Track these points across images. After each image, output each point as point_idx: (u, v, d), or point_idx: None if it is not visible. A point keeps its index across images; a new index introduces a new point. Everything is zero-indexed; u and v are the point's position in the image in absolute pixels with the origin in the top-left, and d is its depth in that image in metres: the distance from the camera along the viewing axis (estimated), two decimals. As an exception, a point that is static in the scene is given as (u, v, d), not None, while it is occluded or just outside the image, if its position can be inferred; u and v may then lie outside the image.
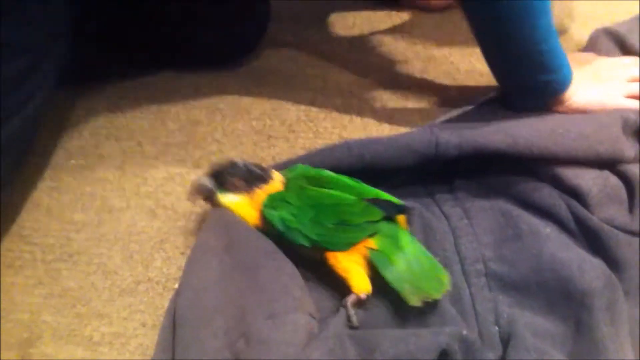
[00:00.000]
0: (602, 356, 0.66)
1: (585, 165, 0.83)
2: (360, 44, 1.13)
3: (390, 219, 0.73)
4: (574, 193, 0.80)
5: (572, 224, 0.78)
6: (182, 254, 0.80)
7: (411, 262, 0.69)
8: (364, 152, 0.81)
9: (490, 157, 0.82)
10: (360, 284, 0.69)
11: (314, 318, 0.67)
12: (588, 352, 0.67)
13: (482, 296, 0.73)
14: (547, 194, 0.80)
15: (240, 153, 0.92)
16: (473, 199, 0.83)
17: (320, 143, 0.94)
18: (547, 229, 0.77)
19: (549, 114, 0.89)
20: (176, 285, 0.75)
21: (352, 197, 0.73)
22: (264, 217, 0.74)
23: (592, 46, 1.12)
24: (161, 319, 0.72)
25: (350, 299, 0.68)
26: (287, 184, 0.76)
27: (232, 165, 0.77)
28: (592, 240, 0.77)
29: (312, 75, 1.06)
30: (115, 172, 0.89)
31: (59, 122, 0.96)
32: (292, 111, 1.00)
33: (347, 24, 1.18)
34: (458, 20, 1.17)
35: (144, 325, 0.74)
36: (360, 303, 0.69)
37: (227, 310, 0.67)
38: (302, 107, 1.00)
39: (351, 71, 1.07)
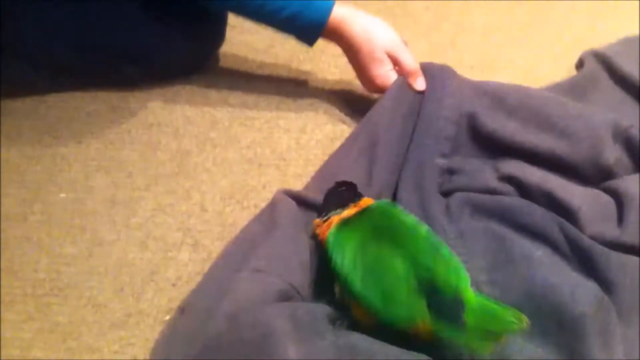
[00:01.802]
0: (596, 382, 0.65)
1: (574, 182, 0.85)
2: (350, 71, 1.13)
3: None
4: (565, 210, 0.80)
5: (564, 246, 0.78)
6: (173, 285, 0.79)
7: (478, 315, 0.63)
8: None
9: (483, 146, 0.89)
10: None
11: (297, 292, 0.69)
12: (582, 379, 0.66)
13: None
14: (539, 216, 0.81)
15: (231, 182, 0.92)
16: (467, 220, 0.84)
17: (311, 170, 0.94)
18: (539, 252, 0.77)
19: (548, 112, 0.91)
20: (167, 317, 0.75)
21: (401, 269, 0.66)
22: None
23: (580, 68, 1.13)
24: (152, 352, 0.72)
25: None
26: (359, 220, 0.73)
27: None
28: (584, 261, 0.77)
29: (302, 103, 1.07)
30: (105, 204, 0.89)
31: (49, 155, 0.96)
32: (282, 139, 1.00)
33: (336, 52, 1.18)
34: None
35: (135, 359, 0.73)
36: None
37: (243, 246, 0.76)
38: (293, 134, 1.00)
39: (341, 98, 1.07)
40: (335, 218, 0.74)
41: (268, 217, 0.79)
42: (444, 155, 0.88)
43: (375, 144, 0.88)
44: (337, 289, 0.71)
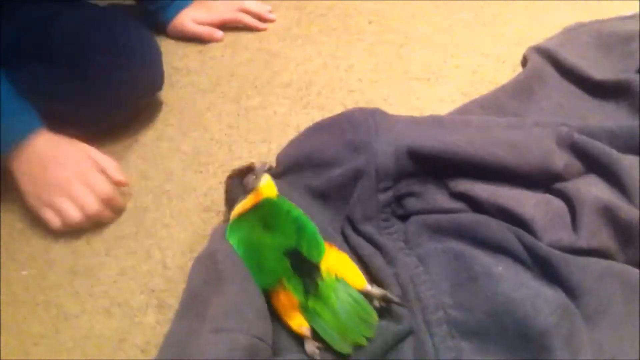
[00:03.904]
0: (565, 392, 0.66)
1: (525, 188, 0.85)
2: (300, 100, 1.13)
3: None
4: (519, 221, 0.81)
5: (524, 256, 0.78)
6: (142, 351, 0.79)
7: (339, 313, 0.73)
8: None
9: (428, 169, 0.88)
10: (297, 324, 0.73)
11: (263, 341, 0.70)
12: (552, 393, 0.67)
13: (445, 346, 0.73)
14: (495, 228, 0.81)
15: (191, 234, 0.92)
16: (425, 243, 0.84)
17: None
18: (499, 267, 0.77)
19: (488, 125, 0.92)
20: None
21: (272, 246, 0.77)
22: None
23: (525, 65, 1.14)
24: None
25: (307, 347, 0.72)
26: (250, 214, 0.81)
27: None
28: (545, 269, 0.77)
29: (255, 140, 1.06)
30: (67, 276, 0.89)
31: (6, 231, 0.95)
32: (238, 182, 0.99)
33: (284, 82, 1.18)
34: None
35: None
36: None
37: (193, 305, 0.76)
38: (248, 175, 1.00)
39: (292, 130, 1.07)
40: (237, 209, 0.82)
41: (209, 269, 0.78)
42: (385, 189, 0.87)
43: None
44: None
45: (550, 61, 1.11)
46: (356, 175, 0.87)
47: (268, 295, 0.75)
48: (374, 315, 0.73)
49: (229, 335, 0.70)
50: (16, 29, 1.00)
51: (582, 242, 0.78)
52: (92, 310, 0.84)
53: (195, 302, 0.75)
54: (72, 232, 0.94)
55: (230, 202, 0.86)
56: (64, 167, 0.92)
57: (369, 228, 0.85)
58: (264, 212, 0.81)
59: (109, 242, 0.92)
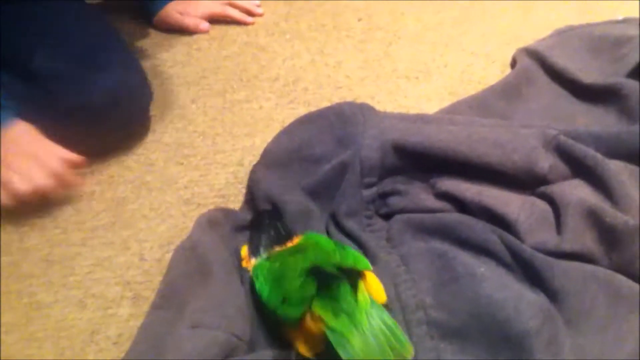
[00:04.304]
0: (544, 396, 0.65)
1: (510, 190, 0.84)
2: (286, 95, 1.12)
3: (352, 282, 0.70)
4: (503, 222, 0.80)
5: (507, 257, 0.78)
6: (115, 343, 0.77)
7: (368, 338, 0.65)
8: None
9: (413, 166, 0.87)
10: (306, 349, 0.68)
11: (240, 340, 0.69)
12: (531, 395, 0.66)
13: (424, 346, 0.72)
14: (479, 229, 0.80)
15: (170, 227, 0.90)
16: (409, 242, 0.83)
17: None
18: (482, 269, 0.76)
19: (474, 124, 0.91)
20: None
21: (296, 267, 0.71)
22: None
23: (514, 65, 1.13)
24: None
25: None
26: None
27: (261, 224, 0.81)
28: (527, 272, 0.76)
29: (239, 133, 1.05)
30: (41, 265, 0.87)
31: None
32: (220, 175, 0.98)
33: (271, 77, 1.17)
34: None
35: None
36: None
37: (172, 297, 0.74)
38: (230, 168, 0.99)
39: (277, 125, 1.05)
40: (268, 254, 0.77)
41: (190, 261, 0.77)
42: (370, 185, 0.86)
43: None
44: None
45: (540, 63, 1.10)
46: (343, 170, 0.85)
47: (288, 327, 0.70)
48: (409, 349, 0.66)
49: (206, 332, 0.69)
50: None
51: (566, 245, 0.77)
52: (65, 301, 0.82)
53: (173, 293, 0.74)
54: (48, 220, 0.91)
55: (255, 240, 0.80)
56: (17, 144, 0.90)
57: (352, 224, 0.84)
58: (300, 243, 0.77)
59: (86, 231, 0.90)
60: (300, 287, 0.69)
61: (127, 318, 0.80)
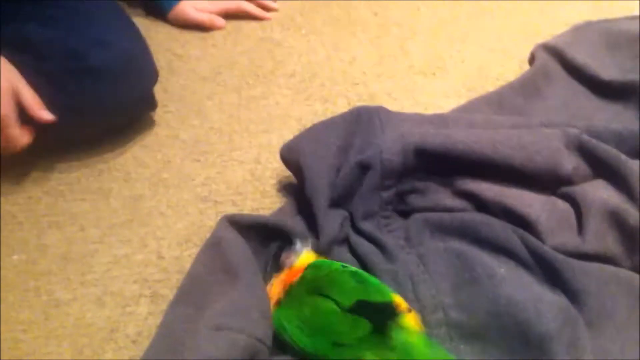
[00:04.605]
0: (566, 398, 0.64)
1: (531, 190, 0.83)
2: (303, 91, 1.12)
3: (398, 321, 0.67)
4: (524, 222, 0.79)
5: (527, 258, 0.77)
6: (134, 342, 0.77)
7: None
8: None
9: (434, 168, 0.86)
10: None
11: (264, 344, 0.68)
12: (553, 398, 0.65)
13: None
14: (499, 229, 0.79)
15: (187, 224, 0.90)
16: (427, 241, 0.82)
17: (267, 202, 0.93)
18: (502, 269, 0.75)
19: (494, 125, 0.90)
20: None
21: (339, 310, 0.68)
22: None
23: (532, 62, 1.12)
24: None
25: None
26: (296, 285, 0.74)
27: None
28: (548, 272, 0.76)
29: (255, 130, 1.05)
30: (59, 263, 0.86)
31: (-1, 215, 0.93)
32: (237, 172, 0.98)
33: (287, 72, 1.16)
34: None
35: None
36: None
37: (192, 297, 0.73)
38: (247, 166, 0.99)
39: (294, 122, 1.05)
40: (276, 284, 0.75)
41: (214, 260, 0.76)
42: (388, 187, 0.85)
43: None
44: None
45: (558, 59, 1.09)
46: (361, 173, 0.85)
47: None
48: None
49: (229, 335, 0.68)
50: None
51: (587, 246, 0.77)
52: (83, 298, 0.82)
53: (195, 290, 0.74)
54: (65, 217, 0.91)
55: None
56: None
57: (369, 225, 0.84)
58: (311, 278, 0.74)
59: (103, 229, 0.90)
60: (352, 327, 0.67)
61: (146, 316, 0.80)
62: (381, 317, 0.67)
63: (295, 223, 0.85)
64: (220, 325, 0.68)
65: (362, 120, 0.89)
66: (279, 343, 0.72)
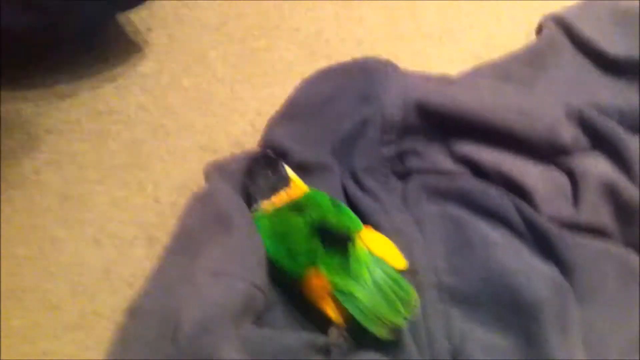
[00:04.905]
0: (552, 366, 0.66)
1: (529, 159, 0.84)
2: (307, 47, 1.11)
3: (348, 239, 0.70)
4: (520, 190, 0.80)
5: (521, 227, 0.78)
6: (129, 284, 0.78)
7: (372, 291, 0.67)
8: None
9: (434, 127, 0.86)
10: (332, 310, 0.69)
11: (260, 290, 0.69)
12: (539, 364, 0.67)
13: (434, 310, 0.72)
14: (495, 196, 0.80)
15: (186, 171, 0.90)
16: (423, 204, 0.83)
17: (267, 154, 0.92)
18: (496, 235, 0.76)
19: (498, 89, 0.91)
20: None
21: (303, 223, 0.72)
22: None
23: (540, 33, 1.12)
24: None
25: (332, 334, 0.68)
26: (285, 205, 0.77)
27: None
28: (541, 243, 0.77)
29: (258, 82, 1.04)
30: (56, 200, 0.87)
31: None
32: (238, 123, 0.98)
33: (292, 27, 1.15)
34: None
35: (91, 362, 0.72)
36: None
37: (185, 244, 0.74)
38: (248, 117, 0.98)
39: (297, 77, 1.04)
40: (265, 205, 0.77)
41: (207, 208, 0.77)
42: (389, 143, 0.86)
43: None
44: None
45: (566, 32, 1.09)
46: (363, 126, 0.85)
47: (298, 283, 0.71)
48: (413, 294, 0.67)
49: (227, 280, 0.69)
50: None
51: (582, 217, 0.78)
52: (79, 238, 0.83)
53: (189, 240, 0.74)
54: (64, 156, 0.91)
55: (252, 194, 0.80)
56: None
57: (370, 180, 0.84)
58: (297, 200, 0.76)
59: (102, 170, 0.91)
60: (305, 241, 0.70)
61: (142, 259, 0.80)
62: (336, 240, 0.70)
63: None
64: (218, 271, 0.69)
65: (368, 71, 0.89)
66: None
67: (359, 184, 0.83)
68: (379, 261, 0.70)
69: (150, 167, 0.91)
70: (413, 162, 0.87)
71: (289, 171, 0.80)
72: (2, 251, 0.81)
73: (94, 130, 0.96)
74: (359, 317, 0.66)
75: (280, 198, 0.77)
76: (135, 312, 0.70)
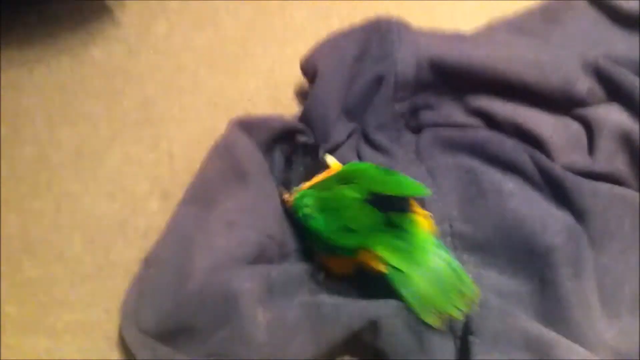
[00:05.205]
0: (566, 311, 0.66)
1: (544, 111, 0.84)
2: (320, 6, 1.10)
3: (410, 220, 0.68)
4: (535, 141, 0.80)
5: (536, 176, 0.78)
6: (143, 236, 0.79)
7: (431, 279, 0.64)
8: None
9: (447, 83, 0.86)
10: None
11: (273, 239, 0.71)
12: (552, 308, 0.67)
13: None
14: (509, 146, 0.80)
15: (199, 128, 0.90)
16: (437, 156, 0.83)
17: (280, 111, 0.93)
18: (510, 185, 0.76)
19: (512, 43, 0.90)
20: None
21: (357, 197, 0.68)
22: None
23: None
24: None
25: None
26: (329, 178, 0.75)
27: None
28: (556, 190, 0.76)
29: (270, 41, 1.04)
30: (71, 157, 0.87)
31: (10, 108, 0.93)
32: (250, 80, 0.98)
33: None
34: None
35: (107, 311, 0.73)
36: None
37: (201, 195, 0.76)
38: (261, 75, 0.98)
39: (311, 37, 1.04)
40: (305, 187, 0.76)
41: (224, 163, 0.77)
42: (402, 99, 0.85)
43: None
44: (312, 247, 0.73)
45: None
46: (376, 85, 0.84)
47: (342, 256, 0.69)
48: (473, 287, 0.65)
49: (240, 229, 0.70)
50: None
51: (597, 166, 0.77)
52: (94, 193, 0.84)
53: (205, 191, 0.75)
54: (78, 115, 0.92)
55: (291, 181, 0.79)
56: None
57: (381, 137, 0.84)
58: (345, 171, 0.74)
59: (115, 128, 0.91)
60: (362, 216, 0.67)
61: (156, 212, 0.81)
62: (395, 210, 0.67)
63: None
64: (232, 222, 0.70)
65: (381, 31, 0.89)
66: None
67: (370, 143, 0.83)
68: (441, 248, 0.67)
69: (163, 124, 0.91)
70: (426, 116, 0.86)
71: (329, 158, 0.80)
72: (17, 206, 0.82)
73: (107, 89, 0.96)
74: (411, 302, 0.64)
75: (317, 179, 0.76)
76: (150, 262, 0.71)
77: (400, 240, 0.66)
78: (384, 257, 0.65)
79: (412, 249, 0.66)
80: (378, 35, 0.90)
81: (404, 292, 0.64)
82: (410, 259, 0.65)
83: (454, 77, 0.85)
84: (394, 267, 0.65)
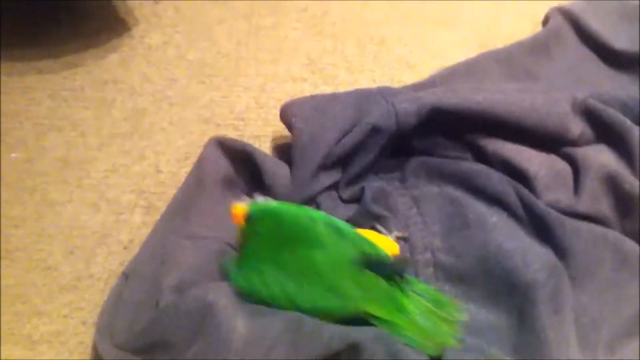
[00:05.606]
0: (543, 346, 0.66)
1: (533, 148, 0.84)
2: (313, 27, 1.11)
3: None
4: (521, 176, 0.80)
5: (520, 211, 0.78)
6: (125, 248, 0.78)
7: (417, 319, 0.64)
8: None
9: (444, 130, 0.85)
10: None
11: (230, 246, 0.72)
12: (530, 343, 0.67)
13: (429, 287, 0.73)
14: (495, 180, 0.80)
15: (188, 143, 0.90)
16: (422, 185, 0.83)
17: (270, 130, 0.93)
18: (494, 218, 0.76)
19: (503, 89, 0.90)
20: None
21: (346, 259, 0.65)
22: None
23: (546, 24, 1.12)
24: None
25: None
26: (248, 233, 0.69)
27: None
28: (539, 227, 0.76)
29: (263, 59, 1.04)
30: (56, 165, 0.87)
31: (-1, 112, 0.93)
32: (241, 98, 0.98)
33: (299, 6, 1.15)
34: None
35: (84, 323, 0.72)
36: None
37: (177, 208, 0.78)
38: (252, 93, 0.98)
39: (302, 56, 1.05)
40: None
41: (195, 175, 0.79)
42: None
43: None
44: None
45: (572, 24, 1.09)
46: (372, 136, 0.83)
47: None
48: (456, 311, 0.65)
49: (202, 242, 0.72)
50: None
51: (581, 206, 0.77)
52: (78, 202, 0.83)
53: (177, 206, 0.77)
54: (66, 122, 0.91)
55: None
56: None
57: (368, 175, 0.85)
58: (270, 228, 0.68)
59: (103, 138, 0.91)
60: (349, 277, 0.65)
61: (139, 225, 0.80)
62: (388, 271, 0.66)
63: (278, 167, 0.82)
64: (193, 235, 0.73)
65: (370, 95, 0.87)
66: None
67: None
68: (411, 281, 0.67)
69: (152, 137, 0.91)
70: (415, 144, 0.86)
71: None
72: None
73: (97, 98, 0.96)
74: (408, 342, 0.63)
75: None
76: (127, 276, 0.71)
77: (379, 288, 0.65)
78: (370, 312, 0.64)
79: (392, 297, 0.65)
80: (368, 98, 0.87)
81: (397, 335, 0.63)
82: (393, 307, 0.64)
83: (452, 122, 0.85)
84: (381, 319, 0.64)
